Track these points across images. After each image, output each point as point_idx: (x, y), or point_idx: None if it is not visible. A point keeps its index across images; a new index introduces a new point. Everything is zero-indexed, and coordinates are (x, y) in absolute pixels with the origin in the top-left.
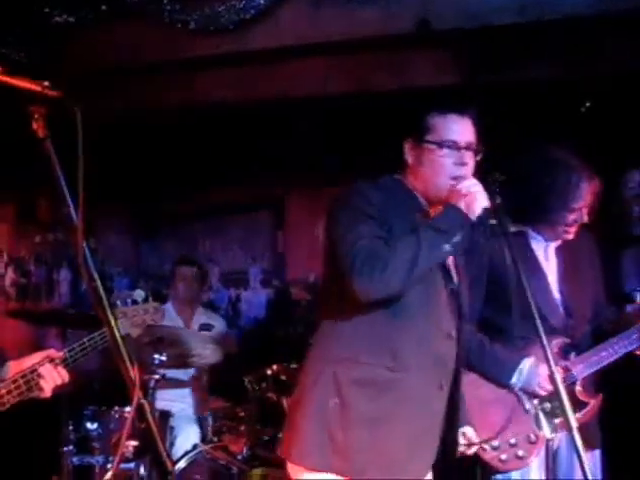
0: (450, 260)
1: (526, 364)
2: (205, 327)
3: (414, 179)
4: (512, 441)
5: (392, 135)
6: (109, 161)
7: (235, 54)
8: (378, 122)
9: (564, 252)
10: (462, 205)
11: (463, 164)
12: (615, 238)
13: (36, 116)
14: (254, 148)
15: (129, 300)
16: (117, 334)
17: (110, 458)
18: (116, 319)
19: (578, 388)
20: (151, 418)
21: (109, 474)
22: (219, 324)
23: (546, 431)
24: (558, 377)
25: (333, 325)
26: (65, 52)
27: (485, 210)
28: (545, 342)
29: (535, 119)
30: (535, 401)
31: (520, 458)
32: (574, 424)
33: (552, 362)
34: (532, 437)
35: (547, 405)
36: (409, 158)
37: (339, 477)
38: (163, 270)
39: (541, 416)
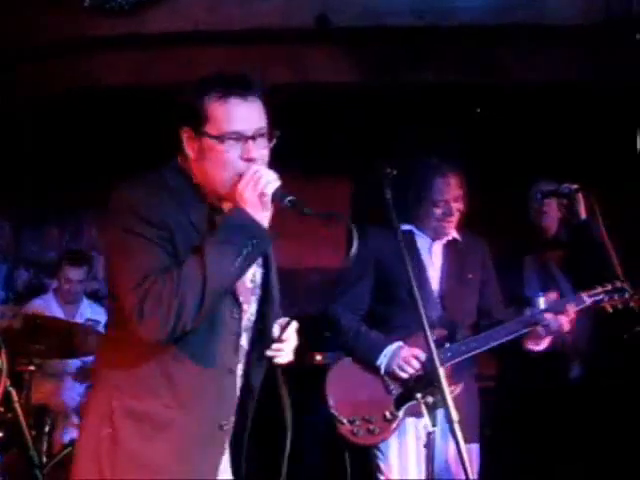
0: (245, 286)
1: (392, 347)
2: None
3: (199, 173)
4: (366, 417)
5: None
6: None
7: (130, 36)
8: (275, 115)
9: (452, 252)
10: (249, 205)
11: (251, 159)
12: (518, 245)
13: None
14: (145, 135)
15: None
16: None
17: None
18: None
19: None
20: (19, 407)
21: None
22: (104, 318)
23: (428, 424)
24: (442, 371)
25: (115, 348)
26: None
27: (277, 192)
28: (428, 331)
29: (431, 123)
30: (418, 395)
31: (371, 432)
32: (455, 417)
33: (434, 351)
34: (388, 415)
35: (430, 399)
36: (189, 151)
37: None
38: (46, 258)
39: (423, 409)
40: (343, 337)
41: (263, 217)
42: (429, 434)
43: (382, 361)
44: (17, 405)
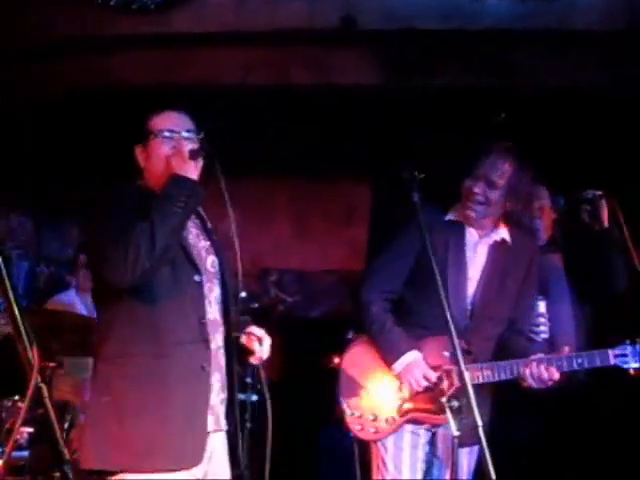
0: (202, 251)
1: (409, 357)
2: None
3: (148, 176)
4: (371, 416)
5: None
6: (15, 142)
7: (154, 36)
8: (297, 116)
9: (497, 256)
10: (178, 168)
11: (180, 146)
12: None
13: None
14: None
15: None
16: (17, 312)
17: (1, 449)
18: (17, 297)
19: (448, 395)
20: (49, 403)
21: None
22: None
23: (452, 428)
24: (468, 375)
25: (105, 323)
26: None
27: (191, 151)
28: (456, 342)
29: (452, 126)
30: (444, 399)
31: (372, 432)
32: (479, 422)
33: (462, 363)
34: (389, 419)
35: (455, 403)
36: (141, 162)
37: (125, 475)
38: (66, 254)
39: (448, 414)
40: (368, 326)
41: (190, 173)
42: (453, 438)
43: (397, 367)
44: (47, 401)
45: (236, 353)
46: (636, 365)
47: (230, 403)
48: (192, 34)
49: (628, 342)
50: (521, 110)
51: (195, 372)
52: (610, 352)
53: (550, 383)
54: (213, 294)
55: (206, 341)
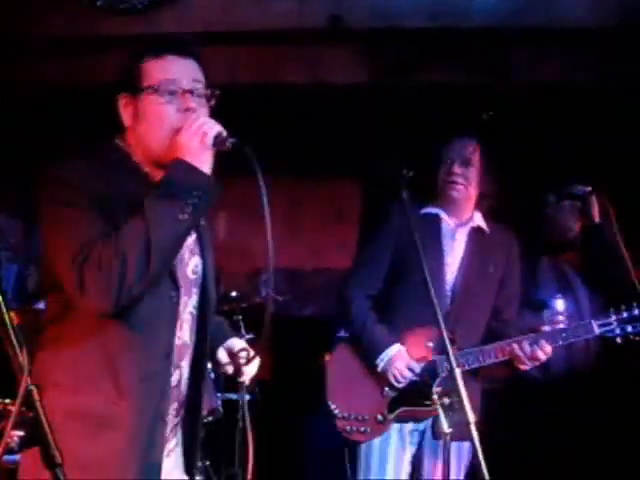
0: (185, 252)
1: (391, 351)
2: None
3: (134, 141)
4: (360, 417)
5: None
6: (14, 141)
7: (142, 37)
8: (287, 115)
9: (476, 241)
10: (191, 153)
11: (188, 109)
12: (533, 247)
13: None
14: None
15: None
16: (5, 315)
17: None
18: (5, 299)
19: (436, 389)
20: (40, 406)
21: None
22: None
23: (444, 425)
24: (458, 372)
25: (54, 346)
26: None
27: (217, 137)
28: (445, 332)
29: (443, 125)
30: (435, 396)
31: (363, 433)
32: (472, 419)
33: (452, 359)
34: (379, 418)
35: (445, 400)
36: (125, 117)
37: None
38: None
39: (440, 410)
40: (351, 324)
41: (206, 164)
42: (445, 436)
43: (379, 363)
44: (38, 403)
45: (205, 375)
46: (621, 333)
47: (191, 437)
48: (180, 34)
49: (612, 310)
50: (513, 107)
51: (153, 425)
52: (594, 322)
53: (544, 359)
54: (188, 309)
55: (169, 378)
